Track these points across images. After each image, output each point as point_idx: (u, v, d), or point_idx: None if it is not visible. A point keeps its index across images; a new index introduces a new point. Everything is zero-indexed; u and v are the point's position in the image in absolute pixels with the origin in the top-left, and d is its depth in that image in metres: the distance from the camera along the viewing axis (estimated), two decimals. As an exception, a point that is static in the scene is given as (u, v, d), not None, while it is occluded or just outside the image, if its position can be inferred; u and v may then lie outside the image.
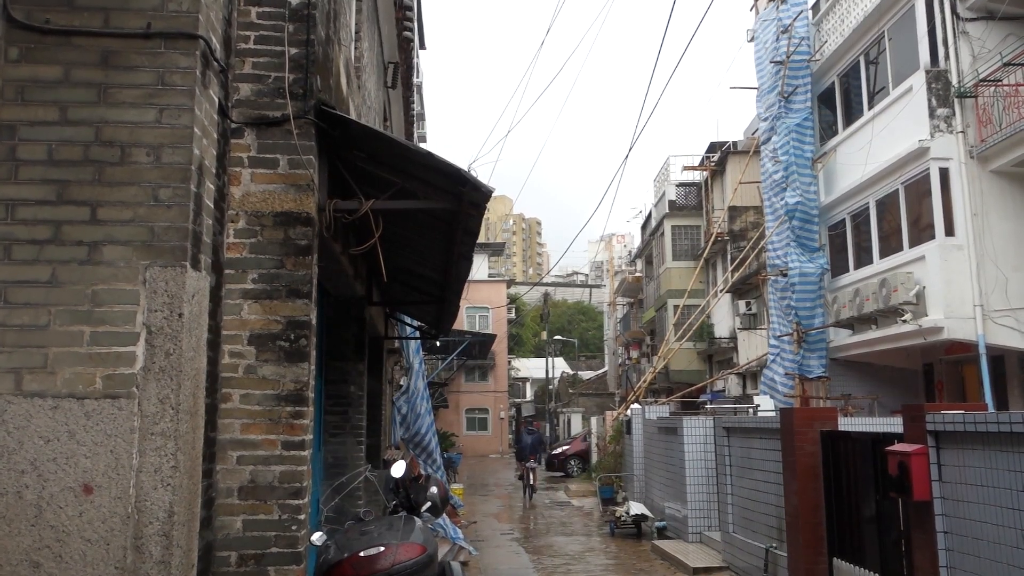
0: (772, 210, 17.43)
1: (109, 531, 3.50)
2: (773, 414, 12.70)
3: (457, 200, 5.16)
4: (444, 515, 10.85)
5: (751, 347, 22.64)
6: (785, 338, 16.52)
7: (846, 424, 9.86)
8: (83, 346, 3.59)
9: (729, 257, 24.87)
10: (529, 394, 62.70)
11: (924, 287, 13.20)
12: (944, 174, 13.19)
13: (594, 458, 24.75)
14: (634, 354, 37.94)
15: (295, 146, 4.68)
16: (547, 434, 46.49)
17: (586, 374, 56.78)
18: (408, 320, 13.50)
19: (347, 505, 7.43)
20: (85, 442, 3.53)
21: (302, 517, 4.47)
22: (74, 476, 3.51)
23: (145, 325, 3.63)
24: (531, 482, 19.66)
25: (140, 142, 3.75)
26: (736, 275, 21.95)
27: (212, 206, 4.16)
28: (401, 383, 15.40)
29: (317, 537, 4.76)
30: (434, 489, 5.78)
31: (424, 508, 5.56)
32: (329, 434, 7.81)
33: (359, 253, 6.30)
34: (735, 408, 14.50)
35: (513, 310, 54.88)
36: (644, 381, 22.78)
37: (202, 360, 3.96)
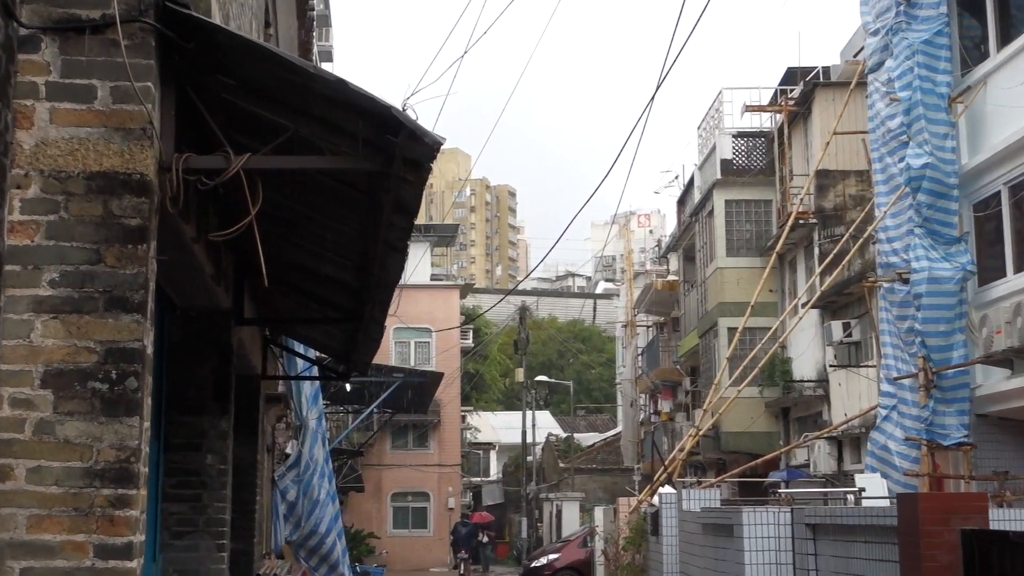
0: (886, 177, 17.60)
1: None
2: (887, 503, 12.81)
3: (385, 157, 5.18)
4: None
5: (851, 396, 22.78)
6: (906, 382, 16.66)
7: (1002, 519, 9.95)
8: None
9: (817, 251, 25.02)
10: (495, 469, 62.63)
11: (1124, 302, 13.39)
12: None
13: (600, 574, 24.75)
14: (665, 406, 38.01)
15: (123, 67, 4.67)
16: (521, 532, 46.50)
17: (587, 437, 56.89)
18: (301, 349, 13.46)
19: (200, 649, 7.37)
20: None
21: (127, 669, 4.47)
22: None
23: None
24: (463, 572, 32.50)
25: None
26: (828, 281, 22.10)
27: (-14, 162, 4.16)
28: (288, 451, 15.33)
29: None
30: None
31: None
32: (171, 533, 7.79)
33: (224, 239, 6.27)
34: (825, 493, 14.59)
35: (471, 333, 54.83)
36: (681, 450, 22.87)
37: (-33, 412, 3.93)
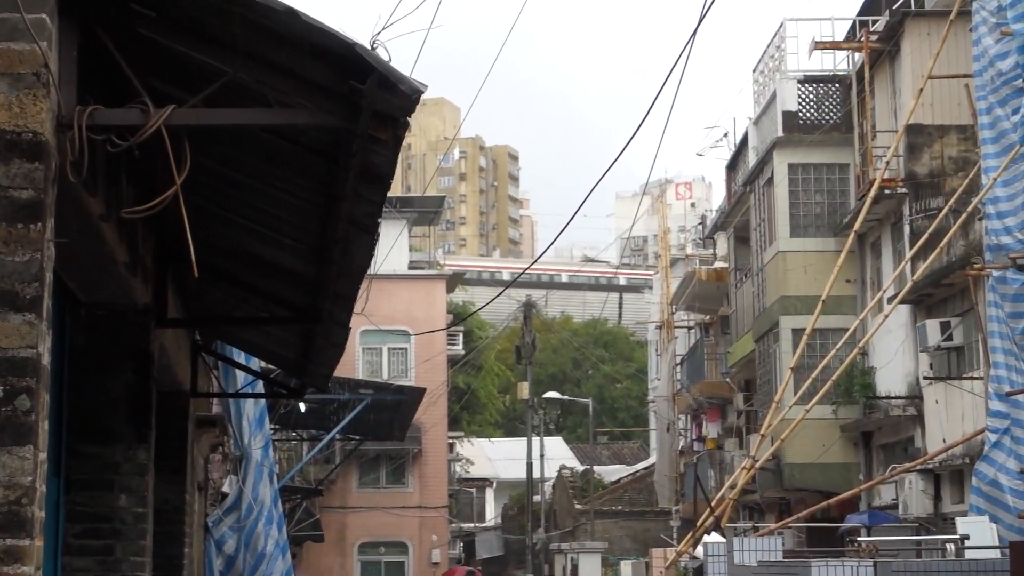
0: (995, 134, 17.59)
1: None
2: (996, 553, 12.82)
3: (349, 110, 5.20)
4: None
5: (951, 417, 22.75)
6: (1021, 398, 16.64)
7: None
8: None
9: (907, 230, 24.99)
10: (492, 512, 62.64)
11: None
12: None
13: (627, 646, 24.85)
14: (711, 430, 38.02)
15: (10, -5, 4.66)
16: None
17: (610, 471, 56.89)
18: (242, 359, 13.46)
19: None
20: None
21: None
22: None
23: None
24: None
25: None
26: (921, 268, 22.07)
27: None
28: (226, 489, 15.33)
29: None
30: None
31: None
32: (75, 595, 7.76)
33: (141, 217, 6.27)
34: (919, 543, 14.59)
35: (461, 337, 54.77)
36: (732, 487, 22.85)
37: None
